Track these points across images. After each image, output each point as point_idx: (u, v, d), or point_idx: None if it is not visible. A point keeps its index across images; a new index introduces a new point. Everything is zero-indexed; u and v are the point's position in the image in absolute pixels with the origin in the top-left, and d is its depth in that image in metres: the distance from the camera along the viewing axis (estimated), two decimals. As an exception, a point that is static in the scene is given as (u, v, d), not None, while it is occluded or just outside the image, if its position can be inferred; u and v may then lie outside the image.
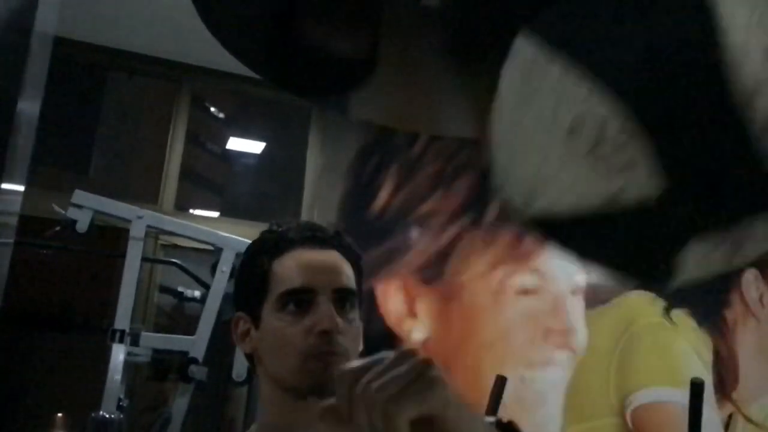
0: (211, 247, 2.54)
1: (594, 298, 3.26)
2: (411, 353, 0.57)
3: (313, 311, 0.85)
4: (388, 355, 0.58)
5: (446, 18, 0.74)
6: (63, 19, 1.16)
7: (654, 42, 0.59)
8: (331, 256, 0.90)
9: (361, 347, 0.89)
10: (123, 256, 2.42)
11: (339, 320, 0.85)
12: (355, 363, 0.58)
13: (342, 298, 0.87)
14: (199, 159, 3.85)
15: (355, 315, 0.89)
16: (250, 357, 0.92)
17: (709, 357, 3.43)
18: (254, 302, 0.89)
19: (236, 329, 0.92)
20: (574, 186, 0.61)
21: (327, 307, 0.85)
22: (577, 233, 0.66)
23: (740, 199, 0.59)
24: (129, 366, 2.34)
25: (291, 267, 0.88)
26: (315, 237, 0.91)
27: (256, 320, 0.89)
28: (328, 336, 0.84)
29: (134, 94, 3.69)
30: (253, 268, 0.91)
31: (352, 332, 0.87)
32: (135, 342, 2.35)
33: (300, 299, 0.86)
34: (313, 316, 0.85)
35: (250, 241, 0.98)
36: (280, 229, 0.93)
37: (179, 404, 2.38)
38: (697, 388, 0.83)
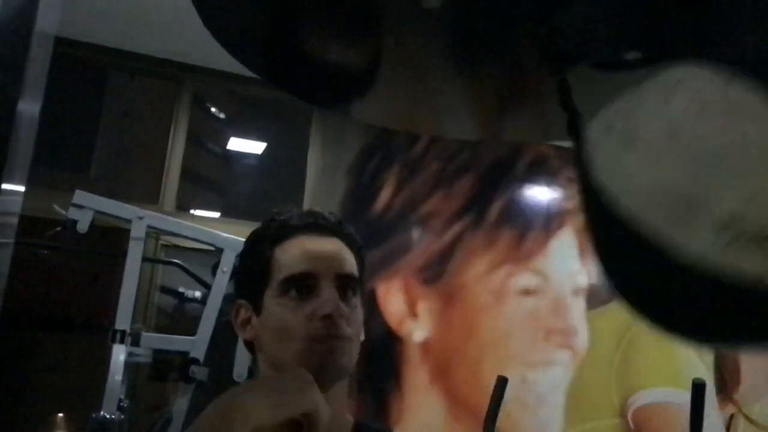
0: (212, 248, 2.54)
1: (595, 299, 3.26)
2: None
3: (315, 297, 0.85)
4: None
5: (448, 20, 0.74)
6: (64, 19, 1.16)
7: None
8: (334, 243, 0.90)
9: (363, 336, 0.89)
10: (124, 256, 2.42)
11: (342, 305, 0.85)
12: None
13: (344, 284, 0.87)
14: (200, 159, 3.84)
15: (357, 302, 0.89)
16: (250, 345, 0.91)
17: (710, 357, 3.43)
18: (256, 289, 0.89)
19: (237, 317, 0.92)
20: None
21: (330, 292, 0.85)
22: None
23: None
24: (130, 366, 2.34)
25: (293, 253, 0.88)
26: (317, 224, 0.91)
27: (257, 307, 0.89)
28: (331, 320, 0.83)
29: (135, 94, 3.68)
30: (254, 255, 0.91)
31: (354, 318, 0.87)
32: (136, 342, 2.35)
33: (302, 285, 0.86)
34: (316, 301, 0.84)
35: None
36: (281, 217, 0.92)
37: (180, 404, 2.38)
38: (698, 389, 0.83)
